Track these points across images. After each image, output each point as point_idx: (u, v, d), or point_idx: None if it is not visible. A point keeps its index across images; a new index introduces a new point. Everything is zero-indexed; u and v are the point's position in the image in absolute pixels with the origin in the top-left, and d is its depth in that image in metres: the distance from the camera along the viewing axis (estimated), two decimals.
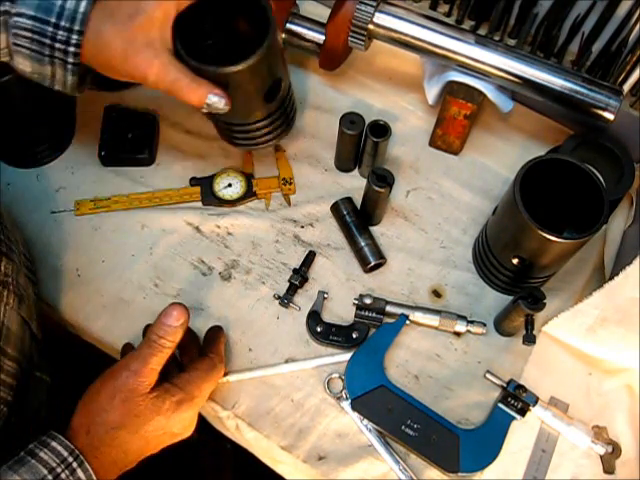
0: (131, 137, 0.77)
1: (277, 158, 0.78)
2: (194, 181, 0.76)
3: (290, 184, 0.76)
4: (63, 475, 0.50)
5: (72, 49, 0.55)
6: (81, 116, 0.80)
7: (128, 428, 0.54)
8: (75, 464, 0.51)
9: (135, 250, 0.72)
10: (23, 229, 0.71)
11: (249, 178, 0.76)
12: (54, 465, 0.50)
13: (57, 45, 0.54)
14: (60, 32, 0.54)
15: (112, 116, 0.78)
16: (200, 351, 0.64)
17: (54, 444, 0.51)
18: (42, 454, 0.50)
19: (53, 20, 0.54)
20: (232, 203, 0.75)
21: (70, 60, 0.56)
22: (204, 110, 0.59)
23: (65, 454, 0.51)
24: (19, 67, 0.57)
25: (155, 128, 0.79)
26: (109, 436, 0.53)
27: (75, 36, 0.54)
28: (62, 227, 0.73)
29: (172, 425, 0.56)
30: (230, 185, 0.75)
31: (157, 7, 0.55)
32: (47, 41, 0.54)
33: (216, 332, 0.65)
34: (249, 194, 0.75)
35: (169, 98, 0.81)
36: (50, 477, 0.49)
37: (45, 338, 0.65)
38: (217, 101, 0.58)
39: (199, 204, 0.75)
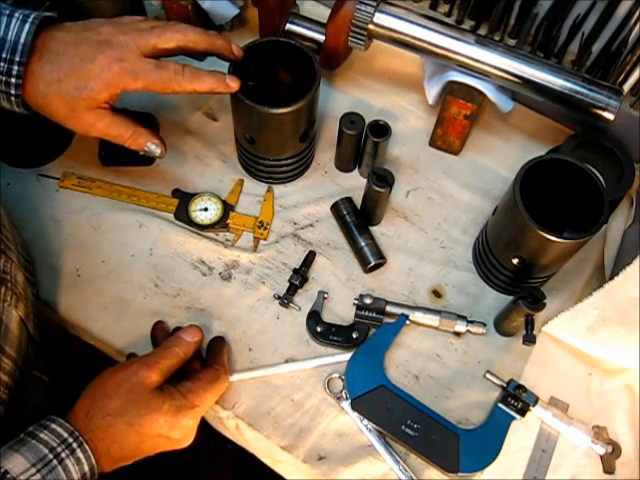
0: None
1: (264, 199, 0.76)
2: (176, 193, 0.75)
3: (265, 229, 0.74)
4: (63, 454, 0.51)
5: (14, 80, 0.56)
6: None
7: (124, 418, 0.54)
8: (75, 444, 0.52)
9: (135, 250, 0.72)
10: (23, 229, 0.70)
11: (227, 209, 0.74)
12: (54, 445, 0.51)
13: None
14: (1, 63, 0.55)
15: None
16: (204, 362, 0.64)
17: (54, 426, 0.52)
18: (42, 435, 0.51)
19: None
20: (201, 227, 0.73)
21: (12, 92, 0.57)
22: (141, 153, 0.64)
23: (65, 435, 0.52)
24: None
25: (155, 128, 0.79)
26: (105, 422, 0.54)
27: (16, 67, 0.55)
28: (62, 227, 0.73)
29: (169, 430, 0.56)
30: (206, 209, 0.74)
31: (104, 90, 0.58)
32: None
33: (219, 344, 0.66)
34: (221, 224, 0.73)
35: (169, 98, 0.82)
36: (51, 455, 0.50)
37: (44, 339, 0.65)
38: (154, 149, 0.64)
39: (171, 216, 0.75)
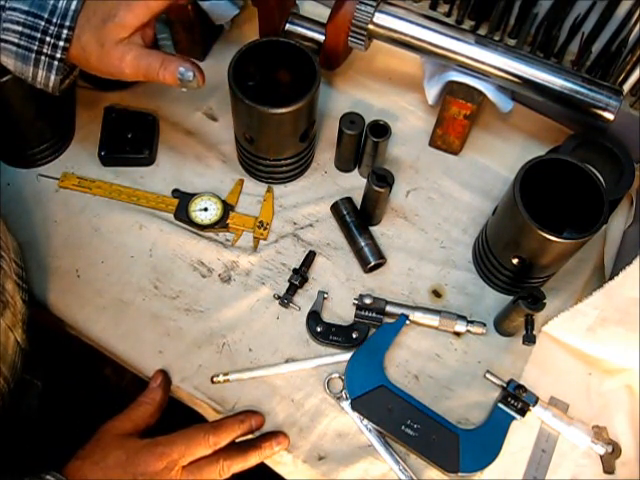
0: (131, 137, 0.77)
1: (264, 199, 0.76)
2: (176, 193, 0.75)
3: (265, 229, 0.73)
4: None
5: (62, 43, 0.58)
6: (81, 116, 0.80)
7: (91, 458, 0.57)
8: None
9: (134, 251, 0.72)
10: (22, 229, 0.70)
11: (227, 209, 0.74)
12: None
13: (47, 39, 0.58)
14: (52, 27, 0.58)
15: (112, 116, 0.78)
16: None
17: (48, 477, 0.54)
18: None
19: (46, 16, 0.58)
20: (201, 227, 0.73)
21: (58, 55, 0.59)
22: (179, 87, 0.61)
23: None
24: (2, 63, 0.60)
25: (155, 128, 0.79)
26: (74, 466, 0.57)
27: (66, 31, 0.58)
28: (61, 227, 0.73)
29: (135, 469, 0.57)
30: (206, 209, 0.73)
31: (128, 12, 0.58)
32: (38, 35, 0.58)
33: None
34: (221, 224, 0.73)
35: (169, 98, 0.82)
36: None
37: (39, 343, 0.65)
38: (186, 73, 0.60)
39: (171, 216, 0.74)
